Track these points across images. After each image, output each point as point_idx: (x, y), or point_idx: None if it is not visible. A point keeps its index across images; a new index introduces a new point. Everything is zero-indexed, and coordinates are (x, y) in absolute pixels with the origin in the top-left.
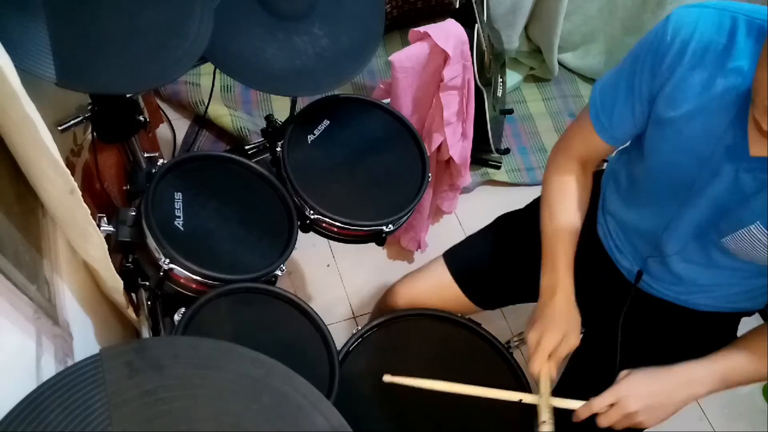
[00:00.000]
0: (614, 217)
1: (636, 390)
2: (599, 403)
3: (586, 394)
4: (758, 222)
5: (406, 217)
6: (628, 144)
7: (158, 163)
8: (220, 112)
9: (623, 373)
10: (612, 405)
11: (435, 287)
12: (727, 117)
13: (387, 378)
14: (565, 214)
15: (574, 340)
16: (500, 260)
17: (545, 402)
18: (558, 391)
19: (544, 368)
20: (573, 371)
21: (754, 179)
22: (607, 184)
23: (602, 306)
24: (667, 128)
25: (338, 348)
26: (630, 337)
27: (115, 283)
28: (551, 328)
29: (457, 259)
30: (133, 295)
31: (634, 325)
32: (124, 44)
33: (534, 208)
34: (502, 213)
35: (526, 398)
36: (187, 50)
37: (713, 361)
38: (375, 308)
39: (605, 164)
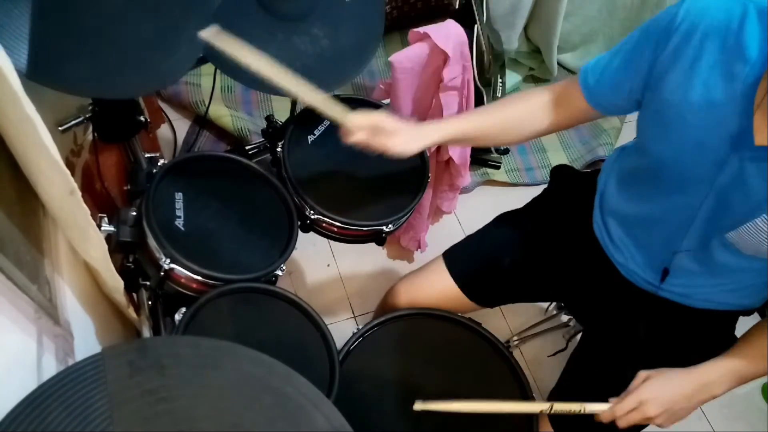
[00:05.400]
0: (614, 215)
1: (656, 395)
2: (621, 408)
3: (588, 391)
4: (765, 215)
5: (406, 217)
6: (627, 141)
7: (159, 164)
8: (220, 112)
9: (642, 375)
10: (632, 409)
11: (435, 287)
12: (732, 105)
13: (418, 406)
14: (496, 104)
15: (396, 143)
16: (499, 259)
17: (576, 408)
18: (560, 390)
19: (356, 121)
20: (576, 371)
21: (758, 169)
22: (607, 182)
23: (596, 302)
24: (671, 116)
25: (338, 348)
26: (626, 335)
27: (115, 283)
28: (399, 122)
29: (456, 259)
30: (134, 294)
31: (630, 323)
32: (103, 50)
33: (533, 207)
34: (501, 213)
35: (557, 407)
36: (169, 69)
37: (728, 360)
38: (377, 309)
39: (601, 164)
